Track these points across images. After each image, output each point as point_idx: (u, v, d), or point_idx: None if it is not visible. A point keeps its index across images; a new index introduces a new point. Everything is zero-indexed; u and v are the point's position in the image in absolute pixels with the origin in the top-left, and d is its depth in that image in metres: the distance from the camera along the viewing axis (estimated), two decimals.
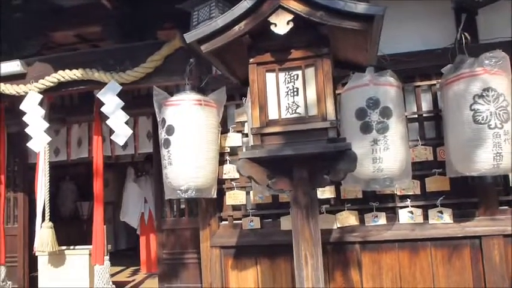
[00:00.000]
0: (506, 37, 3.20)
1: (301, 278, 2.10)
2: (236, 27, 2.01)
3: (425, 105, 3.44)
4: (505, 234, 3.15)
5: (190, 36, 2.05)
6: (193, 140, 3.04)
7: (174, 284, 4.29)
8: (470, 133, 2.76)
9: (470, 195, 3.26)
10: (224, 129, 3.64)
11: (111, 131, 3.54)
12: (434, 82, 3.35)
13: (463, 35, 3.10)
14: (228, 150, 3.63)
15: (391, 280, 3.31)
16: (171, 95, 3.33)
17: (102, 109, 3.53)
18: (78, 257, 4.24)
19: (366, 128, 2.84)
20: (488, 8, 3.25)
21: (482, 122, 2.72)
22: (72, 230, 6.66)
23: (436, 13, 3.45)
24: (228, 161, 3.61)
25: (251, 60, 2.12)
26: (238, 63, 2.29)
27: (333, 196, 3.44)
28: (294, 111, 2.09)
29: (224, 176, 3.60)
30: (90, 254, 4.08)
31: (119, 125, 3.52)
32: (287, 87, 2.10)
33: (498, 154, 2.71)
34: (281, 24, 1.96)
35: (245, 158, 2.05)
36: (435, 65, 3.22)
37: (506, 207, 3.25)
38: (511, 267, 3.16)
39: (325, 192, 3.43)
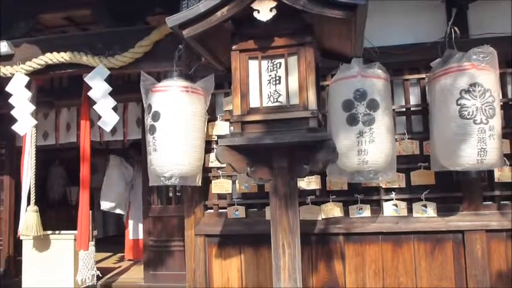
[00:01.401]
0: (497, 33, 3.18)
1: (278, 267, 2.11)
2: (218, 13, 1.99)
3: (414, 98, 3.43)
4: (488, 229, 3.17)
5: (171, 21, 2.03)
6: (179, 126, 3.01)
7: (159, 271, 4.31)
8: (455, 128, 2.75)
9: (455, 189, 3.27)
10: (212, 117, 3.63)
11: (100, 116, 3.52)
12: (423, 76, 3.34)
13: (453, 30, 3.08)
14: (216, 139, 3.61)
15: (374, 272, 3.32)
16: (160, 81, 3.30)
17: (90, 94, 3.51)
18: (62, 242, 4.22)
19: (352, 120, 2.81)
20: (479, 3, 3.24)
21: (468, 117, 2.71)
22: (60, 215, 6.67)
23: (427, 7, 3.43)
24: (214, 150, 3.58)
25: (234, 46, 2.10)
26: (222, 49, 2.28)
27: (318, 187, 3.43)
28: (275, 100, 2.07)
29: (210, 165, 3.59)
30: (75, 240, 4.06)
31: (106, 110, 3.50)
32: (269, 75, 2.09)
33: (482, 149, 2.70)
34: (264, 11, 1.94)
35: (224, 146, 2.04)
36: (424, 59, 3.20)
37: (490, 202, 3.26)
38: (493, 262, 3.18)
39: (311, 184, 3.42)
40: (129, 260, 5.68)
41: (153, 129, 3.07)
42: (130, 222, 5.74)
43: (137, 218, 5.53)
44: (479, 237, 3.17)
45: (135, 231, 5.65)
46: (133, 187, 5.80)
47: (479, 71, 2.73)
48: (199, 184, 3.30)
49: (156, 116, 3.06)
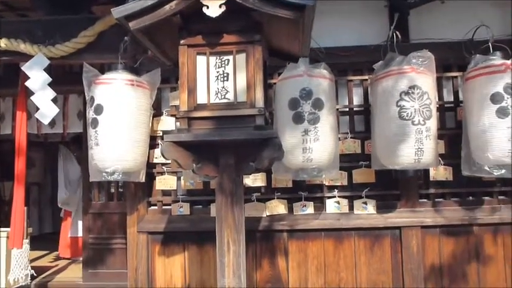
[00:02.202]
0: (435, 38, 3.35)
1: (222, 264, 2.10)
2: (167, 6, 1.95)
3: (357, 99, 3.54)
4: (423, 225, 3.33)
5: (117, 12, 1.96)
6: (122, 121, 2.93)
7: (99, 270, 4.17)
8: (395, 128, 2.87)
9: (393, 187, 3.41)
10: (158, 112, 3.55)
11: (38, 108, 3.35)
12: (366, 77, 3.45)
13: (395, 34, 3.20)
14: (161, 134, 3.54)
15: (316, 268, 3.40)
16: (104, 73, 3.19)
17: (27, 84, 3.32)
18: None
19: (298, 118, 2.87)
20: (420, 9, 3.40)
21: (407, 118, 2.83)
22: None
23: (372, 11, 3.56)
24: (159, 145, 3.52)
25: (182, 41, 2.07)
26: (170, 44, 2.23)
27: (263, 185, 3.46)
28: (223, 97, 2.06)
29: (155, 160, 3.51)
30: (7, 237, 3.84)
31: (44, 102, 3.33)
32: (217, 72, 2.07)
33: (420, 149, 2.83)
34: (213, 7, 1.92)
35: (170, 142, 2.01)
36: (368, 61, 3.32)
37: (425, 200, 3.43)
38: (427, 256, 3.35)
39: (257, 181, 3.45)
40: (67, 258, 5.45)
41: (95, 122, 2.97)
42: (69, 219, 5.51)
43: (76, 214, 5.32)
44: (415, 233, 3.33)
45: (74, 228, 5.43)
46: (71, 183, 5.57)
47: (418, 75, 2.87)
48: (143, 180, 3.23)
49: (98, 109, 2.96)
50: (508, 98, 2.76)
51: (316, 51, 3.22)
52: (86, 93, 3.17)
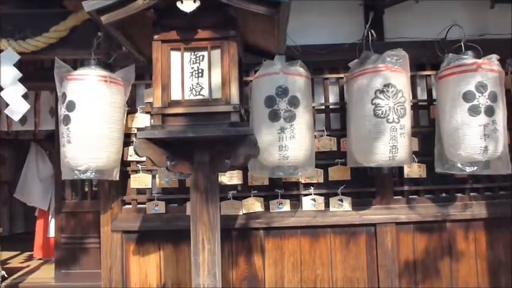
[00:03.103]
0: (409, 38, 3.39)
1: (197, 263, 2.08)
2: (140, 0, 1.91)
3: (333, 97, 3.56)
4: (397, 222, 3.37)
5: (89, 5, 1.91)
6: (95, 118, 2.87)
7: (72, 270, 4.08)
8: (370, 126, 2.89)
9: (369, 185, 3.44)
10: (132, 109, 3.50)
11: (7, 104, 3.25)
12: (341, 75, 3.47)
13: (370, 33, 3.23)
14: (136, 132, 3.49)
15: (292, 265, 3.41)
16: (77, 69, 3.12)
17: None
18: None
19: (274, 116, 2.86)
20: (394, 8, 3.43)
21: (382, 116, 2.86)
22: None
23: (347, 9, 3.58)
24: (134, 143, 3.45)
25: (156, 36, 2.03)
26: (144, 39, 2.19)
27: (240, 182, 3.45)
28: (197, 93, 2.04)
29: (129, 158, 3.45)
30: None
31: (14, 98, 3.24)
32: (192, 68, 2.04)
33: (394, 147, 2.86)
34: (187, 2, 1.90)
35: (143, 139, 1.97)
36: (343, 59, 3.33)
37: (400, 197, 3.48)
38: (401, 252, 3.39)
39: (233, 179, 3.43)
40: (39, 259, 5.33)
41: (67, 119, 2.90)
42: (43, 218, 5.38)
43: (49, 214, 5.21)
44: (389, 230, 3.36)
45: (46, 227, 5.31)
46: (42, 181, 5.45)
47: (393, 73, 2.89)
48: (117, 178, 3.17)
49: (70, 106, 2.90)
50: (479, 96, 2.81)
51: (292, 49, 3.22)
52: (57, 90, 3.10)
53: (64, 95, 2.95)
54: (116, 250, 3.43)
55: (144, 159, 3.38)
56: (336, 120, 3.54)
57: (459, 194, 3.47)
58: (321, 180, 3.42)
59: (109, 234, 3.44)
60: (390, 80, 2.87)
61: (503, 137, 2.88)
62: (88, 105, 2.88)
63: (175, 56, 2.04)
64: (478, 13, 3.57)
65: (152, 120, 3.42)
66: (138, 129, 3.44)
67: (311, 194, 3.42)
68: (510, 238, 3.40)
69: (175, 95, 2.03)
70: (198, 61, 2.04)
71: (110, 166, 3.00)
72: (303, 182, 3.44)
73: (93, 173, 2.89)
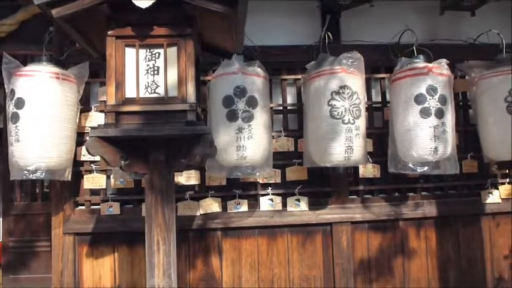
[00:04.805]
0: (365, 41, 3.47)
1: (152, 264, 2.04)
2: None
3: (290, 98, 3.59)
4: (353, 221, 3.44)
5: None
6: (46, 116, 2.75)
7: (21, 275, 3.90)
8: (326, 127, 2.93)
9: (325, 184, 3.49)
10: (86, 107, 3.39)
11: None
12: (299, 77, 3.50)
13: (327, 35, 3.28)
14: (89, 131, 3.38)
15: (250, 265, 3.41)
16: (27, 65, 3.00)
17: None
18: None
19: (231, 116, 2.85)
20: (351, 11, 3.49)
21: (338, 117, 2.90)
22: None
23: (305, 11, 3.62)
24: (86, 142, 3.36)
25: (110, 32, 1.98)
26: (97, 34, 2.13)
27: (197, 183, 3.41)
28: (153, 91, 2.00)
29: (83, 158, 3.34)
30: None
31: None
32: (147, 65, 2.00)
33: (349, 147, 2.91)
34: None
35: (96, 137, 1.92)
36: (301, 61, 3.36)
37: (355, 196, 3.54)
38: (356, 251, 3.46)
39: (191, 179, 3.39)
40: None
41: (15, 117, 2.77)
42: None
43: None
44: (345, 229, 3.43)
45: None
46: None
47: (348, 75, 2.95)
48: (69, 179, 3.06)
49: (19, 103, 2.77)
50: (430, 99, 2.91)
51: (250, 49, 3.22)
52: (5, 86, 2.96)
53: (13, 92, 2.83)
54: (68, 253, 3.32)
55: (98, 158, 3.29)
56: (293, 120, 3.57)
57: (411, 194, 3.58)
58: (279, 181, 3.44)
59: (61, 237, 3.32)
60: (346, 82, 2.92)
61: (451, 138, 2.99)
62: (38, 103, 2.76)
63: (130, 52, 2.00)
64: (429, 19, 3.70)
65: (106, 119, 3.37)
66: (92, 127, 3.34)
67: (269, 194, 3.43)
68: (458, 236, 3.54)
69: (130, 92, 1.99)
70: (153, 58, 2.01)
71: (62, 166, 2.89)
72: (260, 182, 3.45)
73: (44, 173, 2.77)
